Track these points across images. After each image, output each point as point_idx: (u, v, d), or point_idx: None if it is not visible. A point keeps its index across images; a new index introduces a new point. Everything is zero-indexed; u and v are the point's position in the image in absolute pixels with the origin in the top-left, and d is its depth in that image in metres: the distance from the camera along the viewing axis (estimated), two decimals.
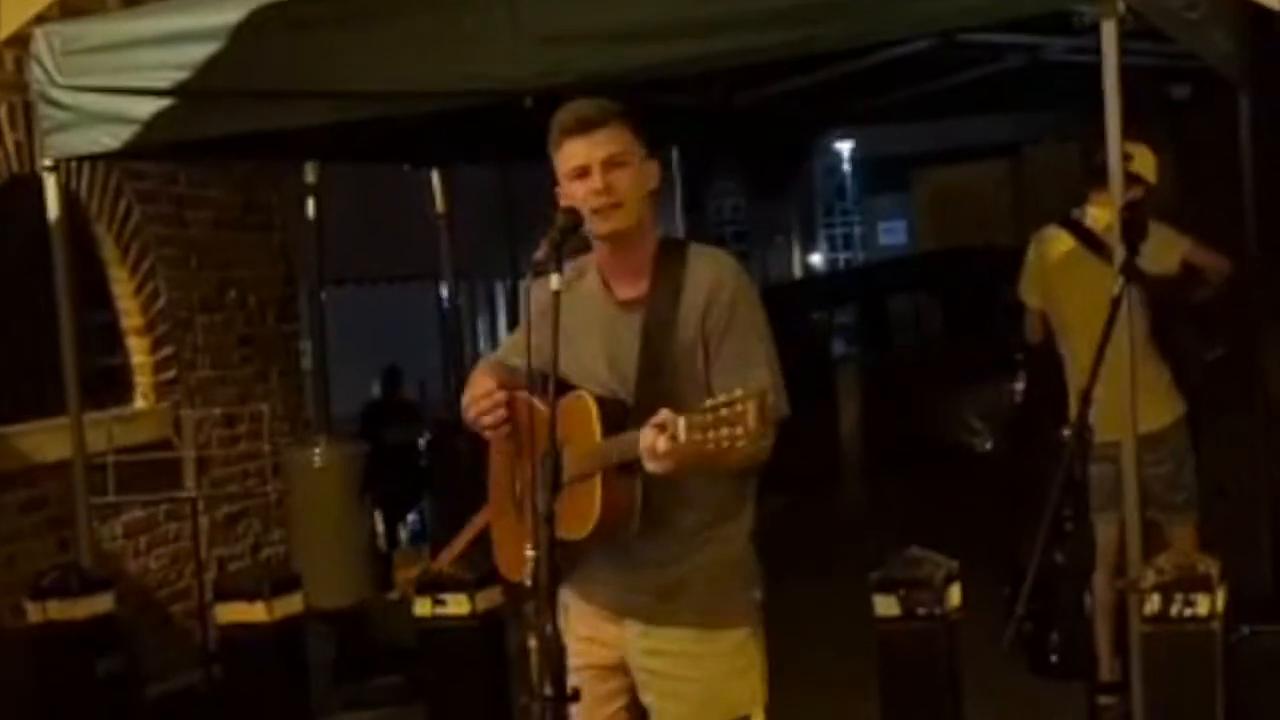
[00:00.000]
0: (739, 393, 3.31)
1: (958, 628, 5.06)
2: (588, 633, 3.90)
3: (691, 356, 3.78)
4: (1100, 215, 6.30)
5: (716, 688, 3.91)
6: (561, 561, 3.53)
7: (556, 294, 3.53)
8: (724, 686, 3.92)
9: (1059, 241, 6.62)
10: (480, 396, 3.91)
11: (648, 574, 3.85)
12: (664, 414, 3.43)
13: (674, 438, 3.38)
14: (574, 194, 3.73)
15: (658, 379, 3.75)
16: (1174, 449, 6.44)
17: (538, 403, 3.79)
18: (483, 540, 4.53)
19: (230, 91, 5.78)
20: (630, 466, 3.64)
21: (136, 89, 5.84)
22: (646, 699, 3.95)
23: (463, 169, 9.98)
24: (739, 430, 3.29)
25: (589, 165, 3.71)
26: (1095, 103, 4.90)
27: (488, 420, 3.90)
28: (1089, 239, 6.43)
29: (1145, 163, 6.29)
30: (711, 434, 3.32)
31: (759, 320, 3.83)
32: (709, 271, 3.84)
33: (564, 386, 3.73)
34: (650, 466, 3.48)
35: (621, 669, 3.95)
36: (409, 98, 5.61)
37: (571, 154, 3.74)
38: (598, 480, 3.67)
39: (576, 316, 3.75)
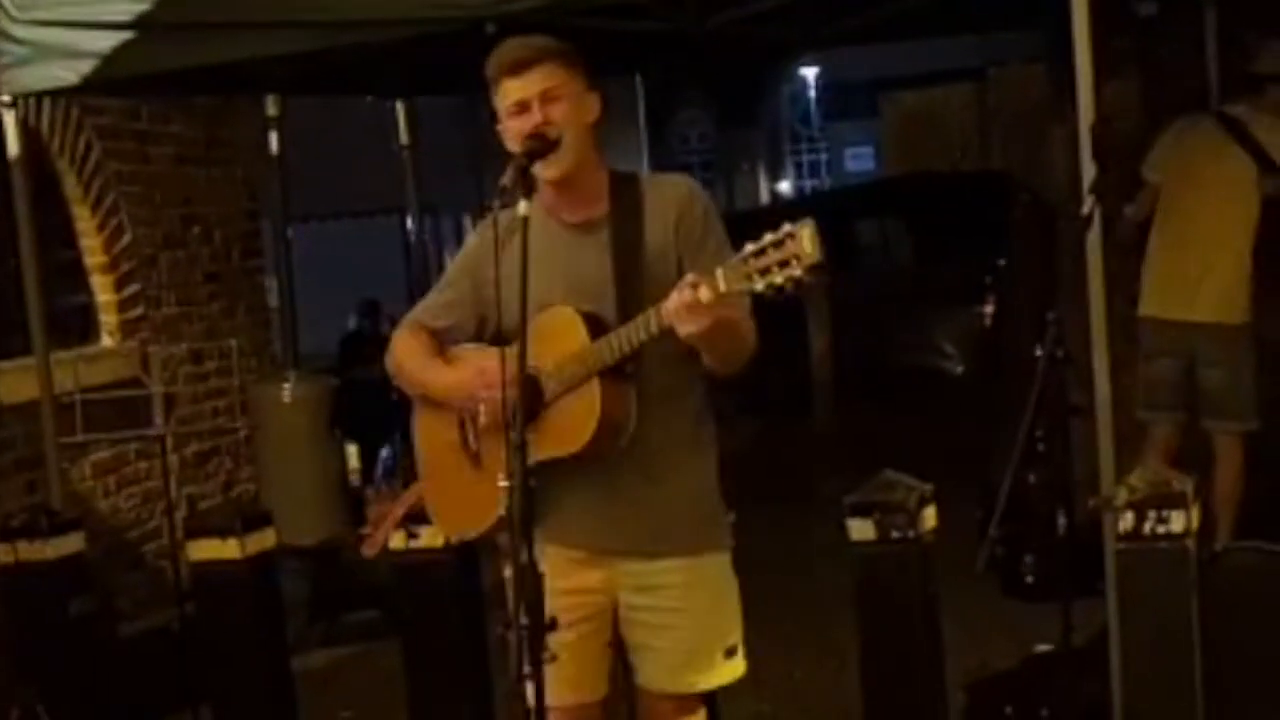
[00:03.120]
0: (786, 226, 3.33)
1: (932, 551, 5.06)
2: (571, 585, 3.79)
3: (662, 268, 3.77)
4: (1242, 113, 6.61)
5: (708, 616, 3.92)
6: (536, 498, 3.47)
7: (525, 220, 3.50)
8: (715, 614, 3.94)
9: (1205, 126, 6.66)
10: (492, 383, 3.71)
11: (634, 504, 3.82)
12: (692, 275, 3.44)
13: (714, 289, 3.39)
14: (512, 130, 3.73)
15: (637, 289, 3.73)
16: (1229, 354, 6.58)
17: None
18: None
19: (190, 24, 5.69)
20: (622, 370, 3.65)
21: (95, 22, 5.74)
22: (634, 637, 3.93)
23: (427, 100, 9.90)
24: (793, 261, 3.31)
25: (526, 100, 3.71)
26: (1062, 22, 4.86)
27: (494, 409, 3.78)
28: (1238, 131, 6.57)
29: None
30: (759, 278, 3.34)
31: (726, 236, 3.85)
32: (674, 190, 3.87)
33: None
34: (686, 326, 3.45)
35: (609, 613, 3.92)
36: (371, 26, 5.54)
37: (508, 92, 3.73)
38: (596, 385, 3.66)
39: (520, 249, 3.70)
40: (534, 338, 3.55)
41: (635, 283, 3.75)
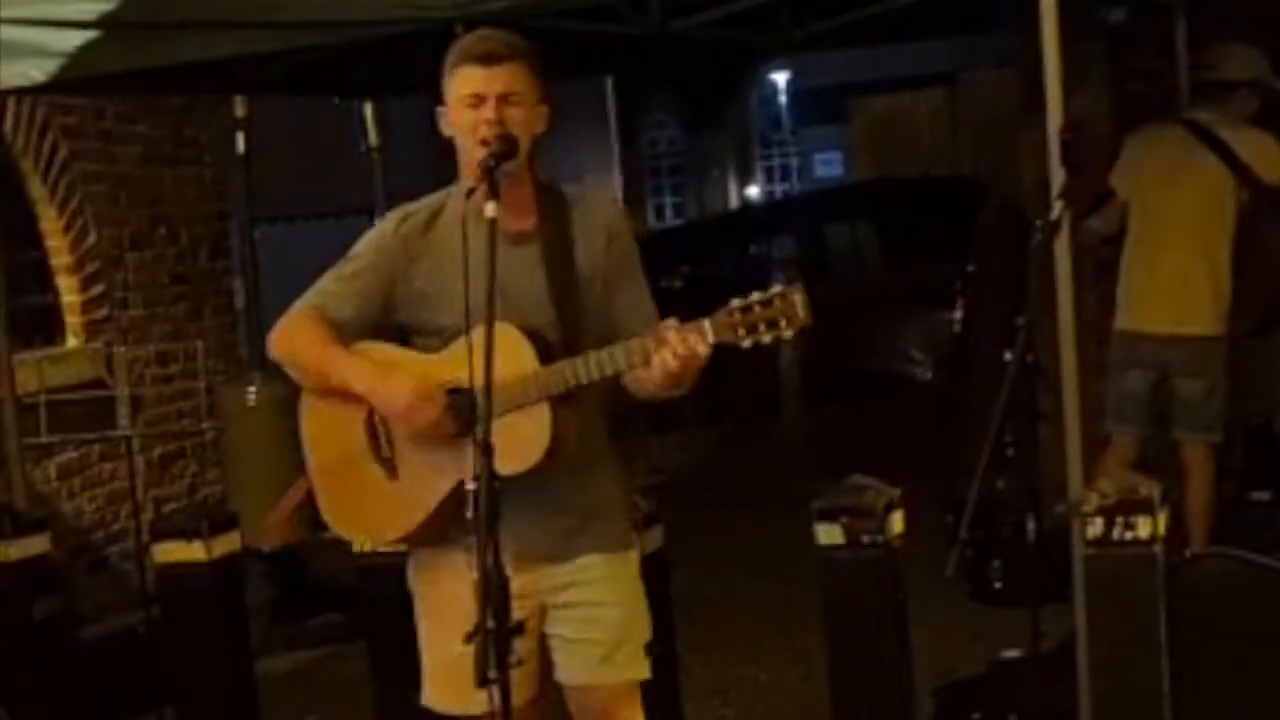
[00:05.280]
0: (777, 288, 3.39)
1: (901, 555, 5.05)
2: None
3: (590, 287, 3.79)
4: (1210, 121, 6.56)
5: (631, 608, 3.95)
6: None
7: (493, 221, 3.47)
8: (636, 607, 3.97)
9: (1174, 135, 6.61)
10: (434, 401, 3.69)
11: (553, 508, 3.82)
12: (670, 322, 3.48)
13: (705, 341, 3.45)
14: (462, 121, 3.69)
15: (576, 309, 3.74)
16: (1209, 367, 6.55)
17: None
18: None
19: (158, 23, 5.65)
20: (569, 393, 3.64)
21: (62, 21, 5.70)
22: (564, 632, 3.92)
23: (395, 101, 9.86)
24: (783, 323, 3.38)
25: (485, 96, 3.66)
26: (1031, 27, 4.86)
27: (428, 430, 3.72)
28: (1208, 138, 6.50)
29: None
30: (744, 333, 3.41)
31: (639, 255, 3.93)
32: (603, 211, 3.89)
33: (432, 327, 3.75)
34: (672, 377, 3.50)
35: (537, 616, 3.89)
36: (339, 26, 5.51)
37: (468, 80, 3.68)
38: (546, 408, 3.63)
39: (448, 253, 3.67)
40: (475, 354, 3.42)
41: (573, 301, 3.76)
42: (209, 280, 9.50)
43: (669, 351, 3.46)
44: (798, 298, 3.38)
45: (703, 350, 3.45)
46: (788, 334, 3.39)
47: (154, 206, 8.99)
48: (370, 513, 3.94)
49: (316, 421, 3.99)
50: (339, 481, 3.97)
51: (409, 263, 3.83)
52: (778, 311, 3.38)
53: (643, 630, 3.97)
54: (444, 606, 3.78)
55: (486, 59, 3.67)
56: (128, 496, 7.68)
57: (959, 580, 7.03)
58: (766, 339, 3.40)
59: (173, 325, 9.00)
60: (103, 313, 8.47)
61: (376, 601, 5.72)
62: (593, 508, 3.88)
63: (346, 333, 3.86)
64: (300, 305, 3.94)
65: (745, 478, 10.66)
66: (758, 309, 3.40)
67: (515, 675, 3.57)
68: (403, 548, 4.04)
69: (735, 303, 3.42)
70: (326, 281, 3.94)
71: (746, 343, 3.41)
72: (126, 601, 7.29)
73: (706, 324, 3.45)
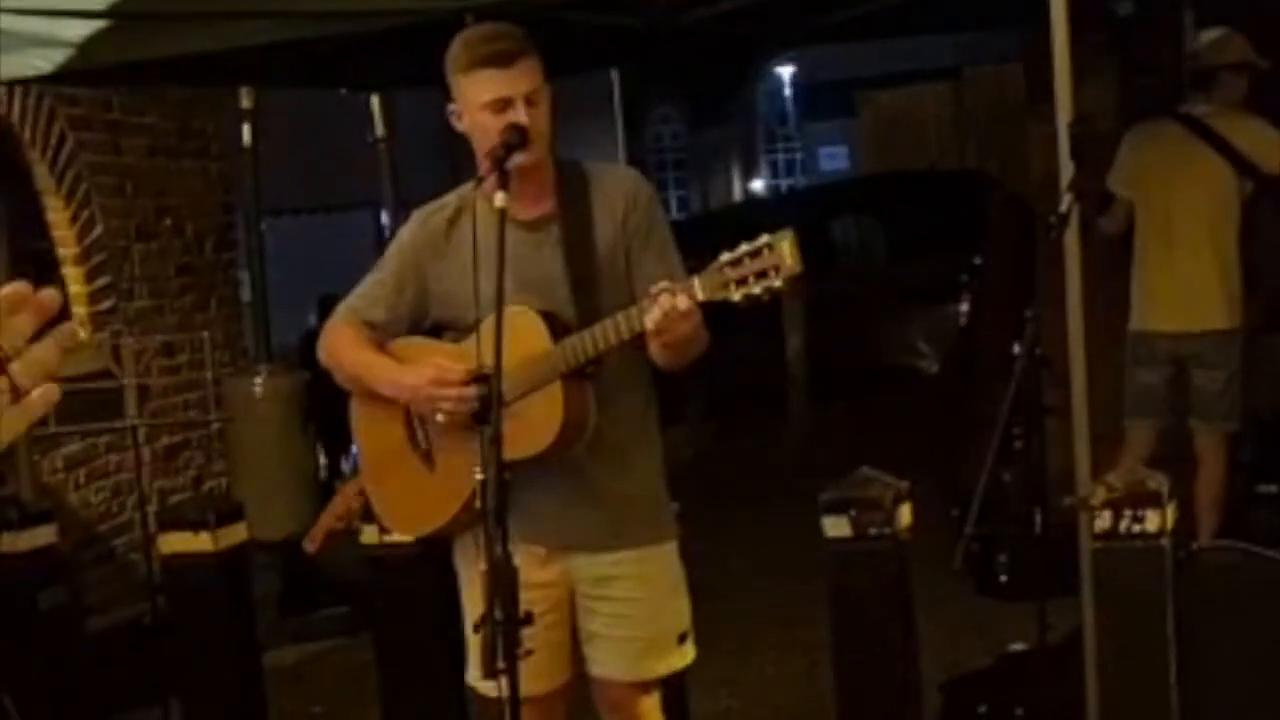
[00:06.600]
0: (764, 238, 3.32)
1: (908, 548, 5.04)
2: (531, 579, 3.60)
3: (614, 264, 3.78)
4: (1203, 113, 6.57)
5: (663, 605, 3.94)
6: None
7: (503, 211, 3.48)
8: (669, 603, 3.96)
9: (1168, 131, 6.60)
10: (453, 384, 3.68)
11: (590, 499, 3.82)
12: (663, 284, 3.41)
13: (693, 298, 3.38)
14: (489, 125, 3.65)
15: (593, 289, 3.73)
16: (1227, 358, 6.57)
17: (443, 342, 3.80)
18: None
19: (166, 13, 5.65)
20: (582, 372, 3.63)
21: (69, 10, 5.69)
22: (592, 627, 3.94)
23: (402, 93, 9.85)
24: (771, 272, 3.30)
25: (513, 99, 3.64)
26: (1038, 21, 4.85)
27: (454, 410, 3.71)
28: (1205, 132, 6.50)
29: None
30: (735, 288, 3.33)
31: (669, 228, 3.89)
32: (620, 182, 3.86)
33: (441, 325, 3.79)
34: (664, 335, 3.44)
35: (568, 603, 3.92)
36: (347, 17, 5.50)
37: (490, 85, 3.65)
38: (558, 387, 3.63)
39: (468, 249, 3.65)
40: (491, 337, 3.46)
41: (590, 282, 3.74)
42: (215, 272, 9.50)
43: (657, 309, 3.39)
44: (785, 245, 3.30)
45: (683, 305, 3.37)
46: (778, 283, 3.31)
47: (160, 198, 8.99)
48: (413, 504, 3.97)
49: (364, 420, 4.04)
50: (385, 477, 4.03)
51: (435, 262, 3.85)
52: (766, 261, 3.31)
53: (675, 624, 3.97)
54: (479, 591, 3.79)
55: (503, 60, 3.64)
56: (134, 487, 7.67)
57: (965, 574, 7.02)
58: (757, 290, 3.32)
59: (179, 316, 9.00)
60: (109, 303, 8.46)
61: (383, 594, 5.72)
62: (627, 498, 3.87)
63: (383, 333, 3.91)
64: (339, 310, 4.02)
65: (751, 471, 10.66)
66: (747, 261, 3.33)
67: (549, 661, 3.70)
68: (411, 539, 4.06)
69: (724, 257, 3.36)
70: (362, 286, 4.00)
71: (737, 296, 3.34)
72: (132, 593, 7.29)
73: (695, 281, 3.40)
